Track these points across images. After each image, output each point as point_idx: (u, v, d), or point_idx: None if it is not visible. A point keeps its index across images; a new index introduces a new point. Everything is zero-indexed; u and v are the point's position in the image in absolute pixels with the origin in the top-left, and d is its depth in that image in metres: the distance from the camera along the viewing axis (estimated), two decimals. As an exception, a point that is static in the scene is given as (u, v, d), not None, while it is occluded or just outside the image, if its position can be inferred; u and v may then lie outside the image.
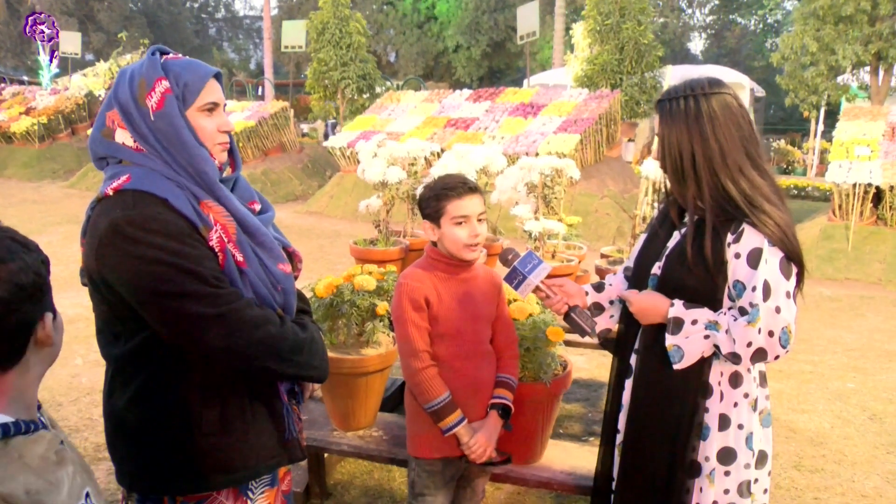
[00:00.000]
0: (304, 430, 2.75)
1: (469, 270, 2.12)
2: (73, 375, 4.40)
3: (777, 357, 1.71)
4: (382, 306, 2.61)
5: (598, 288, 2.14)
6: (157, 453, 1.48)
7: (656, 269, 1.91)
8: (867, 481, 3.39)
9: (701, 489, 1.85)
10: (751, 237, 1.72)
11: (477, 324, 2.10)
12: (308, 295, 2.67)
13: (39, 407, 1.13)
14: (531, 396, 2.38)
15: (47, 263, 1.07)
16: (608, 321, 2.13)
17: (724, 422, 1.83)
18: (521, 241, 3.45)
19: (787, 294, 1.71)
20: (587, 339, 2.81)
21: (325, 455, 3.03)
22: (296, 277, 1.66)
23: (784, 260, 1.71)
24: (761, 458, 1.90)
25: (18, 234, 1.05)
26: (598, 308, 2.12)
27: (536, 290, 1.99)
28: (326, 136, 5.93)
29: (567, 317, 1.98)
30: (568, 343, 3.01)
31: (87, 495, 1.07)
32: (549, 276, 2.00)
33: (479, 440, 2.03)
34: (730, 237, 1.74)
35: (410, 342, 2.03)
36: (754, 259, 1.71)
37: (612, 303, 2.13)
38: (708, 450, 1.83)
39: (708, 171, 1.77)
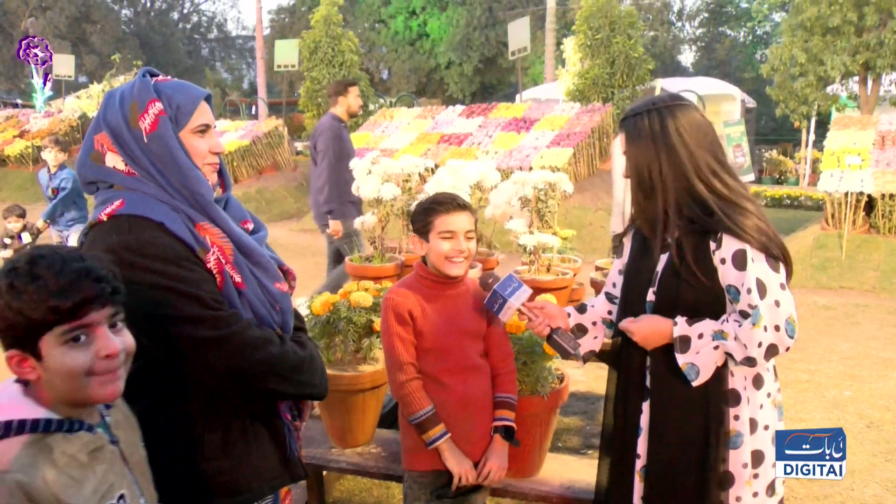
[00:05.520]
0: (303, 447, 2.74)
1: (456, 287, 2.13)
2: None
3: (787, 348, 1.73)
4: (379, 322, 2.61)
5: (581, 309, 2.14)
6: (159, 480, 1.44)
7: (651, 295, 1.88)
8: (866, 489, 3.39)
9: (739, 498, 1.81)
10: (730, 240, 1.74)
11: (463, 339, 2.10)
12: (304, 312, 2.67)
13: (105, 415, 1.22)
14: (528, 410, 2.38)
15: None
16: (592, 342, 2.13)
17: (752, 426, 1.82)
18: (517, 256, 3.46)
19: (782, 286, 1.73)
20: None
21: (324, 473, 3.01)
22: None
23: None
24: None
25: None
26: (581, 330, 2.11)
27: (518, 313, 1.98)
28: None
29: (549, 339, 1.97)
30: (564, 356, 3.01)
31: (122, 497, 1.15)
32: (530, 299, 2.00)
33: (492, 467, 2.08)
34: (712, 245, 1.76)
35: (395, 355, 2.06)
36: (740, 261, 1.73)
37: (594, 324, 2.12)
38: (744, 456, 1.80)
39: (676, 179, 1.78)
